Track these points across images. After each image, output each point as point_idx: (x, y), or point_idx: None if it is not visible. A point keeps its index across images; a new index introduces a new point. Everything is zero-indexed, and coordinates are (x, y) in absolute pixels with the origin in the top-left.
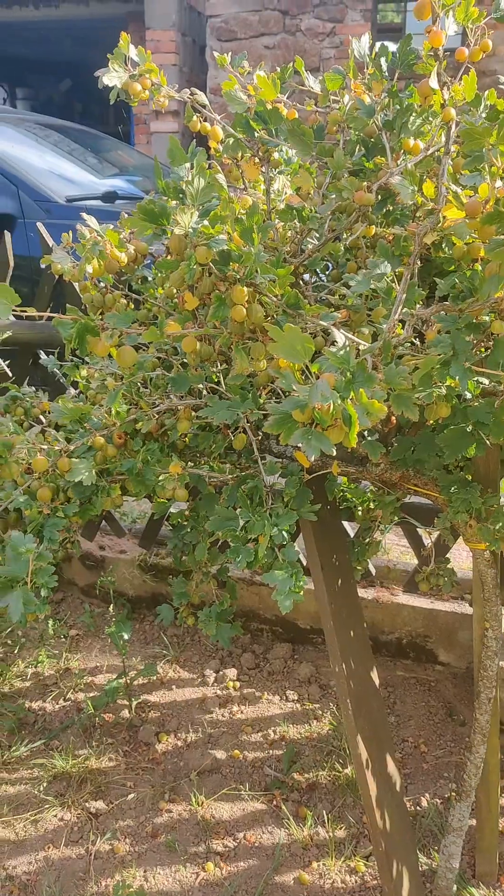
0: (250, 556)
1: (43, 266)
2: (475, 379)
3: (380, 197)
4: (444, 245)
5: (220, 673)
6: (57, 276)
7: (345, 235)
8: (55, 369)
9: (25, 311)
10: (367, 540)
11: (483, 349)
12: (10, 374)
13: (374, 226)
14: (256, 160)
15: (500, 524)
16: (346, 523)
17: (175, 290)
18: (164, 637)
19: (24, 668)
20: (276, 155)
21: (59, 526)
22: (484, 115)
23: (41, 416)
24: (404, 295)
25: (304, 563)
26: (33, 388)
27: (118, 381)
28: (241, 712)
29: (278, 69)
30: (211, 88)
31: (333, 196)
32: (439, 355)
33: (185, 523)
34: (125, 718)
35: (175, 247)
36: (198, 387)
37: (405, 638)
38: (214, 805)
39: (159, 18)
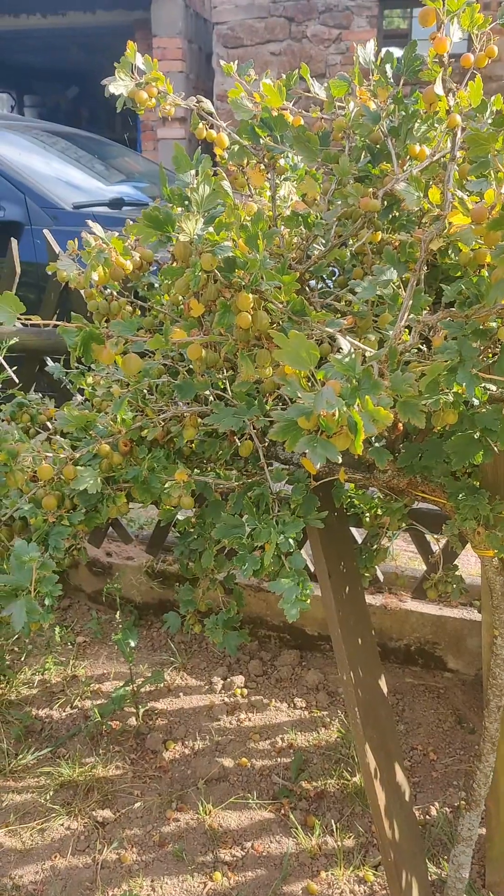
0: (256, 563)
1: (49, 273)
2: (482, 385)
3: (386, 203)
4: (450, 251)
5: (228, 680)
6: (63, 283)
7: (351, 241)
8: (61, 376)
9: (31, 319)
10: (375, 546)
11: (490, 355)
12: (17, 381)
13: (380, 232)
14: (262, 167)
15: None
16: (353, 529)
17: (180, 297)
18: (172, 644)
19: (31, 675)
20: (281, 161)
21: (64, 534)
22: (490, 120)
23: (48, 423)
24: (410, 301)
25: (312, 570)
26: (40, 395)
27: (124, 388)
28: (249, 720)
29: (284, 76)
30: (217, 95)
31: (339, 202)
32: (446, 362)
33: (192, 530)
34: (132, 726)
35: (180, 254)
36: (204, 393)
37: (414, 645)
38: (222, 814)
39: (165, 26)
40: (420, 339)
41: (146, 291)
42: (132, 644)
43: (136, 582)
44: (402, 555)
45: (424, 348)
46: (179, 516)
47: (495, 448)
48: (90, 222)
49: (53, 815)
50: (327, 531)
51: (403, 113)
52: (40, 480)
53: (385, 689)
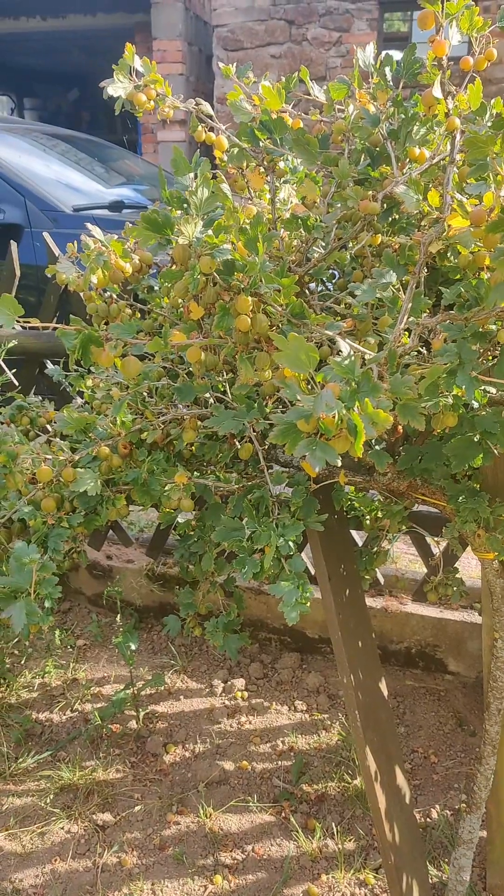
0: (256, 566)
1: (49, 275)
2: (482, 388)
3: (385, 206)
4: (449, 254)
5: (229, 683)
6: (63, 286)
7: (350, 244)
8: (61, 379)
9: (30, 322)
10: (376, 549)
11: (490, 358)
12: (17, 384)
13: (379, 234)
14: (261, 169)
15: None
16: (354, 532)
17: (180, 300)
18: (172, 647)
19: (31, 678)
20: (281, 164)
21: (63, 536)
22: (489, 123)
23: (47, 426)
24: (410, 304)
25: (312, 573)
26: (39, 398)
27: (123, 390)
28: (250, 723)
29: (283, 79)
30: (217, 97)
31: (339, 205)
32: (445, 364)
33: (192, 533)
34: (133, 729)
35: (179, 257)
36: (203, 396)
37: (414, 647)
38: (223, 817)
39: (166, 28)
40: (420, 342)
41: (146, 294)
42: (133, 647)
43: (137, 585)
44: (403, 557)
45: (424, 351)
46: (180, 519)
47: (495, 451)
48: (90, 225)
49: (54, 818)
50: (327, 534)
51: (403, 116)
52: (40, 483)
53: (385, 692)
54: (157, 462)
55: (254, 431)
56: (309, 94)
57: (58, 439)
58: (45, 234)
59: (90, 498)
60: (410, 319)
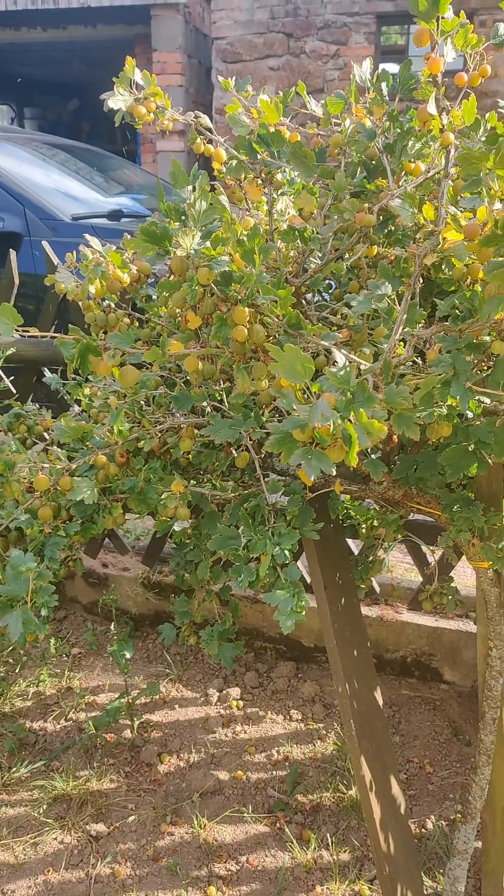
0: (252, 575)
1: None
2: (476, 398)
3: (381, 218)
4: (444, 266)
5: (224, 692)
6: (61, 295)
7: (347, 255)
8: (59, 387)
9: (28, 331)
10: (371, 558)
11: (485, 368)
12: (14, 391)
13: (375, 246)
14: (259, 181)
15: (503, 543)
16: (350, 541)
17: (178, 310)
18: (167, 655)
19: (26, 687)
20: (278, 176)
21: (60, 545)
22: (483, 138)
23: (45, 434)
24: (405, 315)
25: (308, 582)
26: (37, 406)
27: (121, 399)
28: (245, 732)
29: (281, 93)
30: (216, 108)
31: (335, 217)
32: (440, 375)
33: (188, 541)
34: (127, 738)
35: (177, 268)
36: (201, 405)
37: (410, 656)
38: (217, 827)
39: (166, 40)
40: (415, 353)
41: (144, 303)
42: (128, 656)
43: (132, 593)
44: (399, 566)
45: (419, 361)
46: (176, 527)
47: (489, 460)
48: (88, 235)
49: (47, 828)
50: (323, 542)
51: (398, 130)
52: (37, 491)
53: (381, 701)
54: (153, 470)
55: (250, 440)
56: (306, 108)
57: (55, 447)
58: (45, 244)
59: (87, 506)
60: (405, 330)
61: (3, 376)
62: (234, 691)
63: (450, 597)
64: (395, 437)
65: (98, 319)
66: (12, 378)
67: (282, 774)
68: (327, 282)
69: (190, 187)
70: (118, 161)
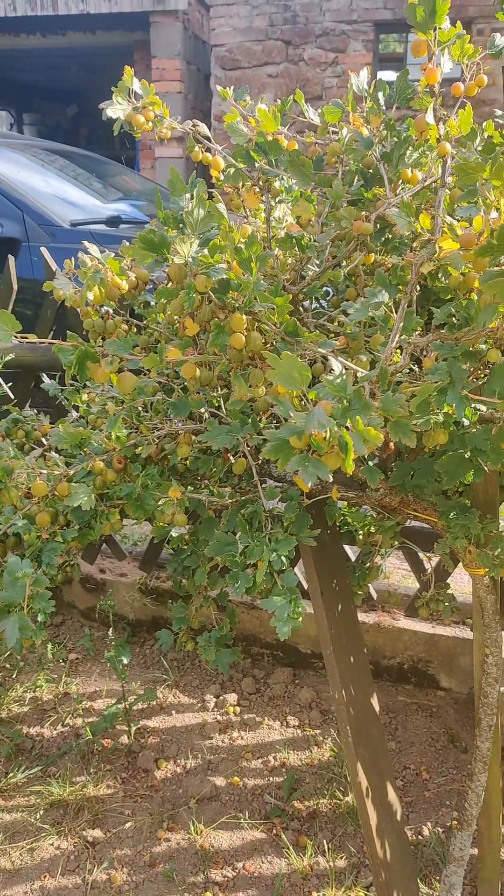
0: (249, 581)
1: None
2: (472, 406)
3: (378, 226)
4: (440, 275)
5: (221, 698)
6: (60, 301)
7: (344, 263)
8: (57, 393)
9: (27, 338)
10: (368, 564)
11: (482, 375)
12: (13, 397)
13: (373, 254)
14: (257, 189)
15: (499, 550)
16: (347, 547)
17: (176, 317)
18: (165, 661)
19: (23, 692)
20: (277, 184)
21: (57, 551)
22: (480, 147)
23: (42, 440)
24: (402, 323)
25: (305, 588)
26: (35, 411)
27: (118, 405)
28: (242, 738)
29: (279, 101)
30: (215, 115)
31: (332, 225)
32: (436, 382)
33: (185, 547)
34: (124, 744)
35: (175, 275)
36: (198, 411)
37: (407, 663)
38: (213, 834)
39: (165, 47)
40: (411, 361)
41: (142, 309)
42: (125, 661)
43: (130, 599)
44: (396, 573)
45: (416, 369)
46: (173, 533)
47: (486, 468)
48: (86, 242)
49: (43, 834)
50: (320, 549)
51: (395, 139)
52: (34, 497)
53: (377, 708)
54: (151, 476)
55: (248, 446)
56: (304, 117)
57: (53, 453)
58: (43, 250)
59: (84, 512)
60: (402, 338)
61: (2, 382)
62: (231, 697)
63: (446, 603)
64: (391, 444)
65: (96, 326)
66: (10, 384)
67: (278, 781)
68: (325, 289)
69: (188, 195)
70: (117, 167)
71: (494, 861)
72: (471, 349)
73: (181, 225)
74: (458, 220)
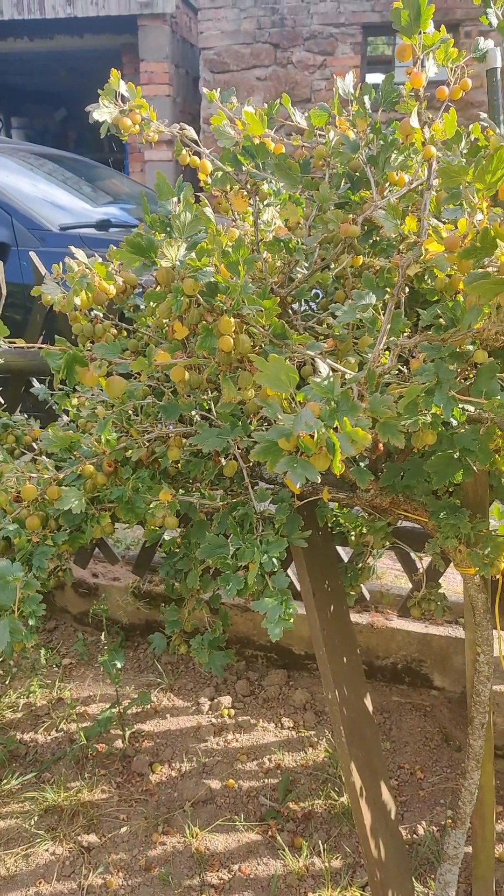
0: (241, 583)
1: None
2: (460, 406)
3: (365, 228)
4: (427, 277)
5: (215, 700)
6: (49, 306)
7: (332, 265)
8: (46, 397)
9: (15, 342)
10: (360, 565)
11: (470, 376)
12: (2, 402)
13: (360, 256)
14: (245, 193)
15: (489, 549)
16: (339, 548)
17: (164, 320)
18: (158, 665)
19: (16, 698)
20: (264, 187)
21: (48, 554)
22: (465, 150)
23: (32, 444)
24: (389, 325)
25: (298, 589)
26: (25, 416)
27: (108, 409)
28: (236, 740)
29: (266, 105)
30: (204, 118)
31: (320, 228)
32: (424, 384)
33: (177, 550)
34: (118, 749)
35: (163, 279)
36: (188, 414)
37: (400, 663)
38: (209, 836)
39: (153, 51)
40: (399, 362)
41: (132, 313)
42: (118, 665)
43: (123, 603)
44: (388, 573)
45: (404, 370)
46: (165, 536)
47: (474, 467)
48: (73, 248)
49: (38, 840)
50: (311, 550)
51: (382, 142)
52: (24, 501)
53: (371, 708)
54: (141, 480)
55: (238, 449)
56: (290, 120)
57: (43, 457)
58: (32, 254)
59: (75, 516)
60: (390, 340)
61: None
62: (226, 700)
63: (437, 603)
64: (381, 445)
65: (85, 330)
66: (0, 389)
67: (273, 782)
68: (314, 291)
69: (175, 199)
70: (106, 171)
71: (488, 859)
72: (458, 350)
73: (168, 228)
74: (444, 223)
